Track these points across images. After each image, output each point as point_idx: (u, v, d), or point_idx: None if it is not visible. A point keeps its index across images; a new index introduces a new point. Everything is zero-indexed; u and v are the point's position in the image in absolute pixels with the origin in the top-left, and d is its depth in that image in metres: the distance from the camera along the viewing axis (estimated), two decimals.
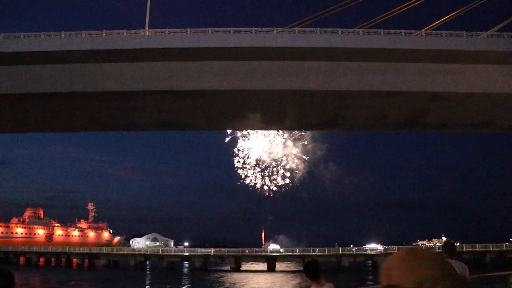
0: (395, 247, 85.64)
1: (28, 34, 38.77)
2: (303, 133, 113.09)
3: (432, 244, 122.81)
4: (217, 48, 38.13)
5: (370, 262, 79.67)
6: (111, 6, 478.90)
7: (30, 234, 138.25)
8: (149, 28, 40.90)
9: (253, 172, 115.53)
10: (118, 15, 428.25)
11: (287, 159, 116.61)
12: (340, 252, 77.12)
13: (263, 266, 75.36)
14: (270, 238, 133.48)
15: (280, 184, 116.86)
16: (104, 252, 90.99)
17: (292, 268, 77.53)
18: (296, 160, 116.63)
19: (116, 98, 41.34)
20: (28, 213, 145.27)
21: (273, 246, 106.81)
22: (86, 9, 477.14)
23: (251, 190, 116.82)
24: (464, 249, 75.80)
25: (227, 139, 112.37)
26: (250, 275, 68.82)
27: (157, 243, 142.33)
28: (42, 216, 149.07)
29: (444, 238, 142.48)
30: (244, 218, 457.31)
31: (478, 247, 77.40)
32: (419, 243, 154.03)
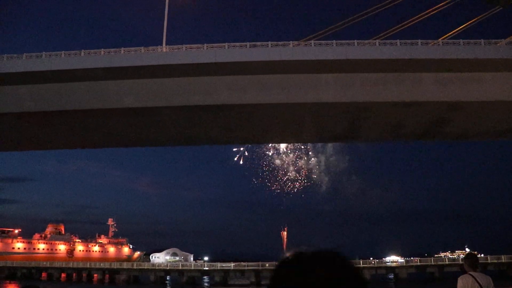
0: (417, 259, 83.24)
1: (49, 54, 39.66)
2: (325, 145, 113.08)
3: (455, 256, 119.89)
4: (234, 62, 38.38)
5: (391, 275, 78.03)
6: (129, 24, 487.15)
7: (51, 249, 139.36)
8: (166, 44, 41.49)
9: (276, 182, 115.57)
10: (136, 33, 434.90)
11: (309, 172, 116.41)
12: (361, 265, 75.76)
13: None
14: (291, 251, 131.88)
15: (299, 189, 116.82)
16: (125, 267, 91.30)
17: None
18: (318, 174, 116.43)
19: (134, 114, 41.85)
20: (49, 229, 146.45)
21: None
22: (105, 27, 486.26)
23: (271, 203, 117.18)
24: (488, 261, 73.78)
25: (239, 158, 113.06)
26: None
27: (177, 258, 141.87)
28: (63, 232, 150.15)
29: (467, 250, 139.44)
30: (264, 231, 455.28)
31: (504, 259, 74.91)
32: (442, 254, 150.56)
